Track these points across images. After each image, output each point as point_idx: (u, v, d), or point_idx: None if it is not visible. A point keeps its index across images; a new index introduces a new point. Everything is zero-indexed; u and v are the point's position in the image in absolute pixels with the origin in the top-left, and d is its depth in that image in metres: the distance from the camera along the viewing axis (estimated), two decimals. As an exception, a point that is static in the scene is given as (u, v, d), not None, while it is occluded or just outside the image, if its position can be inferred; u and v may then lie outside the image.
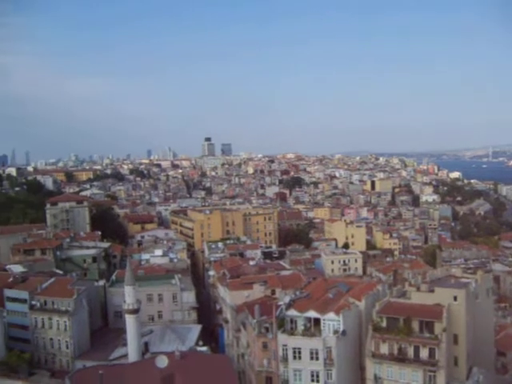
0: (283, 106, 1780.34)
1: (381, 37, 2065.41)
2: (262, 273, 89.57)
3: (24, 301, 77.67)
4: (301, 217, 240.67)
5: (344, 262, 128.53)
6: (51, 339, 76.36)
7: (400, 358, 56.05)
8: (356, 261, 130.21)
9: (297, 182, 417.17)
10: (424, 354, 55.14)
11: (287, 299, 64.40)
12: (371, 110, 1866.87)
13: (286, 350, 59.62)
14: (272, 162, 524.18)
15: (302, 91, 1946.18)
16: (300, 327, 60.37)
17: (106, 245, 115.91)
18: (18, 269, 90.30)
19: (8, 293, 79.37)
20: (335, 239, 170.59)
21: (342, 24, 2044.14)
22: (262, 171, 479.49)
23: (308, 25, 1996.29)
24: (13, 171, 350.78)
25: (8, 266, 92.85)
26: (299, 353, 59.11)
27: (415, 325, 56.49)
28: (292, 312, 61.19)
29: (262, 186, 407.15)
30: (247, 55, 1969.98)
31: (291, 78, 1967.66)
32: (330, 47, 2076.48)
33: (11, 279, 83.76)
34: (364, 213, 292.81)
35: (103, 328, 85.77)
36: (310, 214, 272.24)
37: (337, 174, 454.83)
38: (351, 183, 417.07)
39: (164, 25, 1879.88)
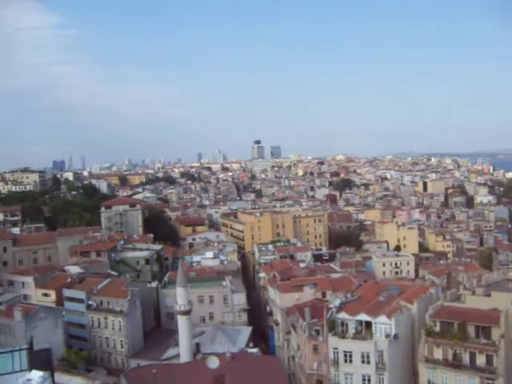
0: (333, 107, 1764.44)
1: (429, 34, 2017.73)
2: (312, 275, 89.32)
3: (81, 300, 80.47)
4: (351, 219, 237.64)
5: (396, 264, 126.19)
6: (107, 338, 78.79)
7: (455, 364, 54.66)
8: (408, 263, 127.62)
9: (347, 184, 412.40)
10: (481, 360, 53.55)
11: (338, 302, 64.08)
12: (422, 110, 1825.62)
13: (337, 353, 59.28)
14: (322, 163, 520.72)
15: (353, 92, 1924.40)
16: (351, 330, 59.92)
17: (158, 247, 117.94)
18: (75, 270, 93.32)
19: (66, 293, 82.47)
20: (386, 241, 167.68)
21: (391, 26, 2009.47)
22: (311, 173, 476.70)
23: (358, 26, 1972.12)
24: (70, 176, 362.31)
25: (66, 267, 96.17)
26: (350, 356, 58.68)
27: (471, 330, 55.03)
28: (343, 315, 60.81)
29: (312, 188, 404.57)
30: (296, 57, 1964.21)
31: (342, 79, 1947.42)
32: (378, 50, 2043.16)
33: (69, 280, 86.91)
34: (416, 214, 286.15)
35: (156, 328, 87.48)
36: (361, 216, 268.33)
37: (388, 176, 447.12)
38: (402, 184, 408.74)
39: (213, 31, 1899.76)
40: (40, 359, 30.51)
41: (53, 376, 28.99)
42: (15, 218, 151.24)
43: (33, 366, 29.13)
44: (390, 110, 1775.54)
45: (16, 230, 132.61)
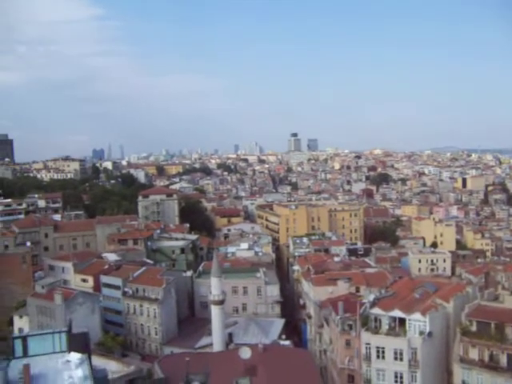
0: (371, 101, 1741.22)
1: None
2: (346, 269, 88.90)
3: (118, 287, 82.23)
4: (387, 214, 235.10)
5: (432, 261, 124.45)
6: (142, 325, 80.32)
7: (492, 366, 53.25)
8: (444, 261, 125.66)
9: (384, 179, 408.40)
10: (518, 362, 52.31)
11: (372, 297, 63.63)
12: (463, 104, 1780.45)
13: (370, 348, 58.96)
14: (359, 157, 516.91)
15: (390, 86, 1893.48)
16: (384, 326, 59.45)
17: (193, 237, 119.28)
18: (112, 257, 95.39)
19: (104, 279, 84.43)
20: (423, 238, 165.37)
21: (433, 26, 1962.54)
22: (348, 167, 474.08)
23: (397, 24, 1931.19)
24: (109, 165, 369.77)
25: (104, 254, 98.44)
26: (383, 352, 58.26)
27: (509, 331, 53.71)
28: (376, 310, 60.38)
29: (349, 182, 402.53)
30: (341, 52, 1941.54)
31: (379, 73, 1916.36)
32: (414, 47, 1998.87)
33: (107, 266, 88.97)
34: (454, 211, 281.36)
35: (190, 317, 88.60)
36: (397, 212, 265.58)
37: (426, 171, 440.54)
38: (441, 180, 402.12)
39: (251, 23, 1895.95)
40: (78, 342, 31.37)
41: (90, 359, 29.83)
42: (56, 205, 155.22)
43: (71, 348, 30.04)
44: (429, 105, 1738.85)
45: (57, 217, 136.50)
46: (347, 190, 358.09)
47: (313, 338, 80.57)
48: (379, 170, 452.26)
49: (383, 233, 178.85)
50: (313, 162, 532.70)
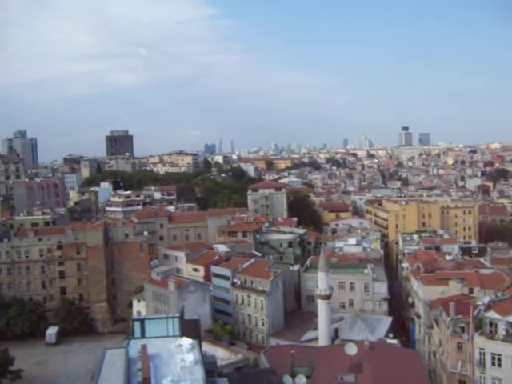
0: (487, 92, 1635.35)
1: None
2: (458, 269, 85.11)
3: (227, 278, 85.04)
4: (505, 212, 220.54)
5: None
6: (249, 315, 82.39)
7: None
8: None
9: (502, 175, 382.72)
10: None
11: (487, 299, 60.43)
12: None
13: (484, 354, 56.14)
14: (474, 152, 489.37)
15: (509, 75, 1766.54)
16: (501, 331, 56.18)
17: (301, 231, 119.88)
18: (222, 248, 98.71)
19: (214, 269, 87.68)
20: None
21: None
22: (462, 162, 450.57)
23: None
24: (220, 159, 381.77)
25: (214, 245, 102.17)
26: (499, 360, 55.15)
27: None
28: (492, 314, 57.21)
29: (463, 178, 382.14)
30: (451, 45, 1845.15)
31: (496, 64, 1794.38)
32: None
33: (217, 257, 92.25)
34: None
35: (296, 310, 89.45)
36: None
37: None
38: None
39: (361, 17, 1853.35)
40: (189, 328, 32.92)
41: (200, 345, 31.23)
42: (171, 197, 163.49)
43: (183, 333, 31.62)
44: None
45: (171, 208, 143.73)
46: (461, 187, 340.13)
47: (421, 339, 78.15)
48: (497, 165, 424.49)
49: (501, 232, 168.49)
50: (424, 156, 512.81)
